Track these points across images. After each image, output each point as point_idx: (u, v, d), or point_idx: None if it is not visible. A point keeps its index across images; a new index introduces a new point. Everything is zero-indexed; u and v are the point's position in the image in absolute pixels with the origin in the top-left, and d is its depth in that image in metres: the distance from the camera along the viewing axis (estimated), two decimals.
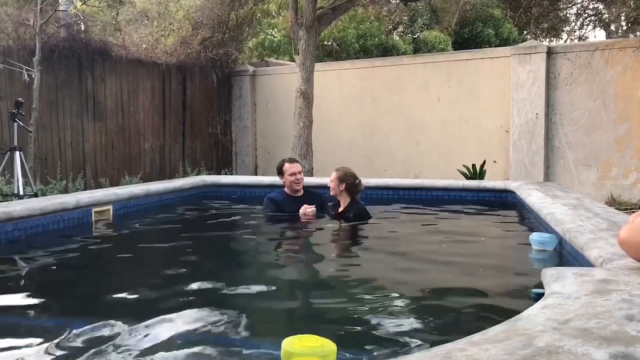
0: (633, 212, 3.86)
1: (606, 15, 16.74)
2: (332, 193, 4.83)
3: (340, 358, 2.02)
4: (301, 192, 5.16)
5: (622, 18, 15.23)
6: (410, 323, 2.38)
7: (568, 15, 18.11)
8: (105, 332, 2.26)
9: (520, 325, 1.57)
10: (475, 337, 1.50)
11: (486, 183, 6.42)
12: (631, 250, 2.28)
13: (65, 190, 7.68)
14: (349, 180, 4.80)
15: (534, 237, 3.67)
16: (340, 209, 4.82)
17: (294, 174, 5.05)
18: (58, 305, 2.81)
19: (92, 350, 2.06)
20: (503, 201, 6.00)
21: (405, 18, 14.98)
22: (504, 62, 8.40)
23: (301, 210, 4.84)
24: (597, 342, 1.41)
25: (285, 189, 5.16)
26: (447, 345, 1.44)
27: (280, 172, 5.19)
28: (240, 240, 4.76)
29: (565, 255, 3.19)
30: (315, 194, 5.25)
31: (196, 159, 10.27)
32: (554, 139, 8.09)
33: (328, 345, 1.74)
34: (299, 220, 4.86)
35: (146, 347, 2.09)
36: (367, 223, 4.76)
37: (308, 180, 7.01)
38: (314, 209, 4.85)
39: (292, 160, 5.25)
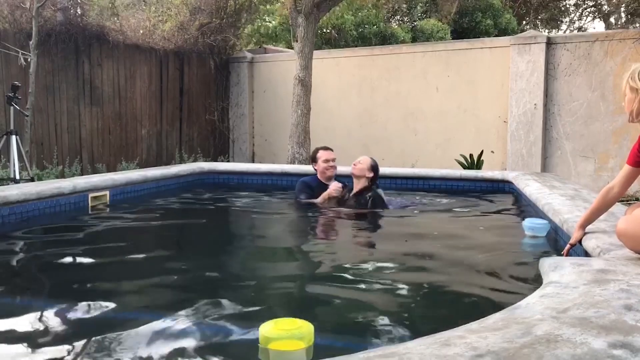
0: (630, 203, 3.87)
1: (606, 7, 16.69)
2: (356, 172, 4.82)
3: (339, 346, 2.03)
4: (333, 181, 5.19)
5: (622, 9, 15.18)
6: (408, 310, 2.39)
7: (567, 5, 18.04)
8: (99, 316, 2.27)
9: (519, 314, 1.58)
10: (474, 325, 1.51)
11: (484, 173, 6.42)
12: (629, 241, 2.30)
13: (62, 175, 7.65)
14: (377, 173, 4.89)
15: (526, 223, 3.70)
16: (354, 191, 4.84)
17: (327, 160, 5.12)
18: (53, 290, 2.81)
19: (87, 333, 2.06)
20: (500, 191, 6.01)
21: (404, 6, 14.90)
22: (503, 52, 8.38)
23: (331, 187, 4.93)
24: (595, 331, 1.41)
25: (318, 176, 5.20)
26: (446, 332, 1.44)
27: (314, 160, 5.26)
28: (234, 227, 4.76)
29: (563, 245, 3.19)
30: (344, 184, 5.30)
31: (193, 146, 10.24)
32: (552, 129, 8.09)
33: (304, 327, 1.74)
34: (315, 208, 4.89)
35: (138, 330, 2.10)
36: (367, 211, 4.75)
37: (306, 168, 7.01)
38: (340, 185, 4.93)
39: (325, 148, 5.31)
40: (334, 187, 4.89)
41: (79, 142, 8.49)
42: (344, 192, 4.92)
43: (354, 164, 4.84)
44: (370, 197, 4.73)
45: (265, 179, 6.85)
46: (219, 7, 10.31)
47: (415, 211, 5.12)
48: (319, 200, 4.94)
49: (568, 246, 2.82)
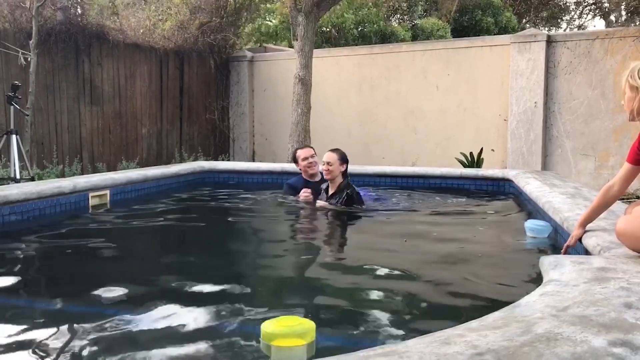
0: (630, 201, 3.87)
1: (606, 5, 16.66)
2: (331, 176, 4.66)
3: (339, 344, 2.03)
4: (318, 177, 5.16)
5: (622, 7, 15.16)
6: (408, 309, 2.39)
7: (568, 3, 18.01)
8: (100, 315, 2.26)
9: (519, 312, 1.58)
10: (474, 323, 1.51)
11: (484, 171, 6.42)
12: (628, 241, 2.29)
13: (62, 175, 7.65)
14: (347, 162, 4.72)
15: (528, 224, 3.71)
16: (332, 191, 4.71)
17: (306, 158, 5.11)
18: (53, 289, 2.81)
19: (88, 332, 2.06)
20: (501, 189, 6.01)
21: (404, 4, 14.89)
22: (503, 51, 8.37)
23: (301, 193, 4.90)
24: (595, 329, 1.41)
25: (303, 175, 5.20)
26: (446, 331, 1.44)
27: (295, 160, 5.27)
28: (235, 226, 4.76)
29: (563, 243, 3.19)
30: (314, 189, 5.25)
31: (193, 145, 10.24)
32: (552, 128, 8.08)
33: (306, 324, 1.75)
34: (305, 206, 4.88)
35: (140, 328, 2.10)
36: (362, 209, 4.74)
37: None
38: (309, 192, 4.87)
39: (303, 147, 5.36)
40: (302, 195, 4.86)
41: (79, 142, 8.49)
42: (311, 198, 4.82)
43: (326, 170, 4.66)
44: (349, 194, 4.63)
45: (266, 177, 6.85)
46: (219, 6, 10.31)
47: (414, 210, 5.12)
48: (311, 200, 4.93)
49: (567, 243, 2.82)
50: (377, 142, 9.39)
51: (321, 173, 5.11)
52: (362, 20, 12.74)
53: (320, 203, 4.74)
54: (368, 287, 2.80)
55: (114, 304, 2.40)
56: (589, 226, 2.78)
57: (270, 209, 5.25)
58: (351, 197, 4.64)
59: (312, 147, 5.30)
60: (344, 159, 4.69)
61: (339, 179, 4.70)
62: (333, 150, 4.73)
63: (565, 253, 2.80)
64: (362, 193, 4.96)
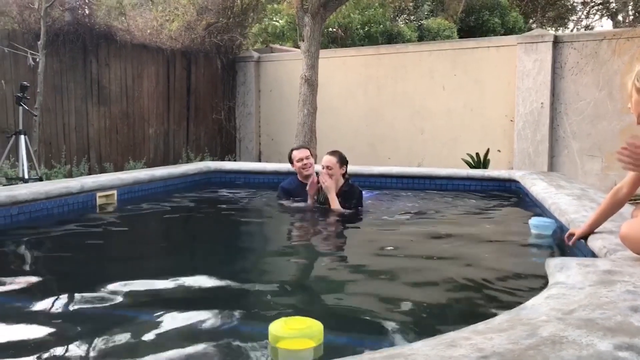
0: (637, 203, 3.86)
1: (613, 5, 16.58)
2: (330, 183, 4.57)
3: (344, 346, 2.03)
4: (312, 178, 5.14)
5: (630, 7, 15.10)
6: (413, 311, 2.39)
7: (575, 4, 17.94)
8: (106, 315, 2.28)
9: (524, 315, 1.58)
10: (480, 326, 1.51)
11: (490, 172, 6.41)
12: (632, 245, 2.29)
13: (70, 175, 7.70)
14: (346, 162, 4.68)
15: (533, 221, 3.73)
16: (336, 193, 4.66)
17: (301, 159, 5.06)
18: (60, 289, 2.82)
19: (94, 332, 2.08)
20: (507, 190, 6.00)
21: (411, 4, 14.87)
22: (510, 51, 8.35)
23: (308, 189, 4.80)
24: (601, 332, 1.41)
25: (298, 176, 5.19)
26: (452, 333, 1.45)
27: (290, 161, 5.23)
28: (241, 227, 4.77)
29: (569, 245, 3.19)
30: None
31: (200, 145, 10.27)
32: (559, 128, 8.06)
33: (314, 325, 1.76)
34: (305, 208, 4.86)
35: (146, 329, 2.11)
36: (367, 210, 4.74)
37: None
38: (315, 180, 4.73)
39: (298, 147, 5.29)
40: (308, 187, 4.74)
41: (86, 142, 8.53)
42: (318, 186, 4.69)
43: (329, 176, 4.58)
44: (352, 193, 4.61)
45: (272, 178, 6.85)
46: (226, 6, 10.33)
47: (420, 211, 5.12)
48: (309, 202, 4.85)
49: (569, 235, 2.83)
50: (384, 142, 9.39)
51: (317, 174, 5.10)
52: (369, 21, 12.74)
53: (325, 179, 4.56)
54: (373, 288, 2.80)
55: (119, 304, 2.42)
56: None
57: (275, 210, 5.26)
58: (354, 195, 4.65)
59: (307, 148, 5.26)
60: (343, 161, 4.66)
61: (340, 181, 4.69)
62: (331, 153, 4.69)
63: (567, 238, 2.82)
64: (366, 194, 4.96)
